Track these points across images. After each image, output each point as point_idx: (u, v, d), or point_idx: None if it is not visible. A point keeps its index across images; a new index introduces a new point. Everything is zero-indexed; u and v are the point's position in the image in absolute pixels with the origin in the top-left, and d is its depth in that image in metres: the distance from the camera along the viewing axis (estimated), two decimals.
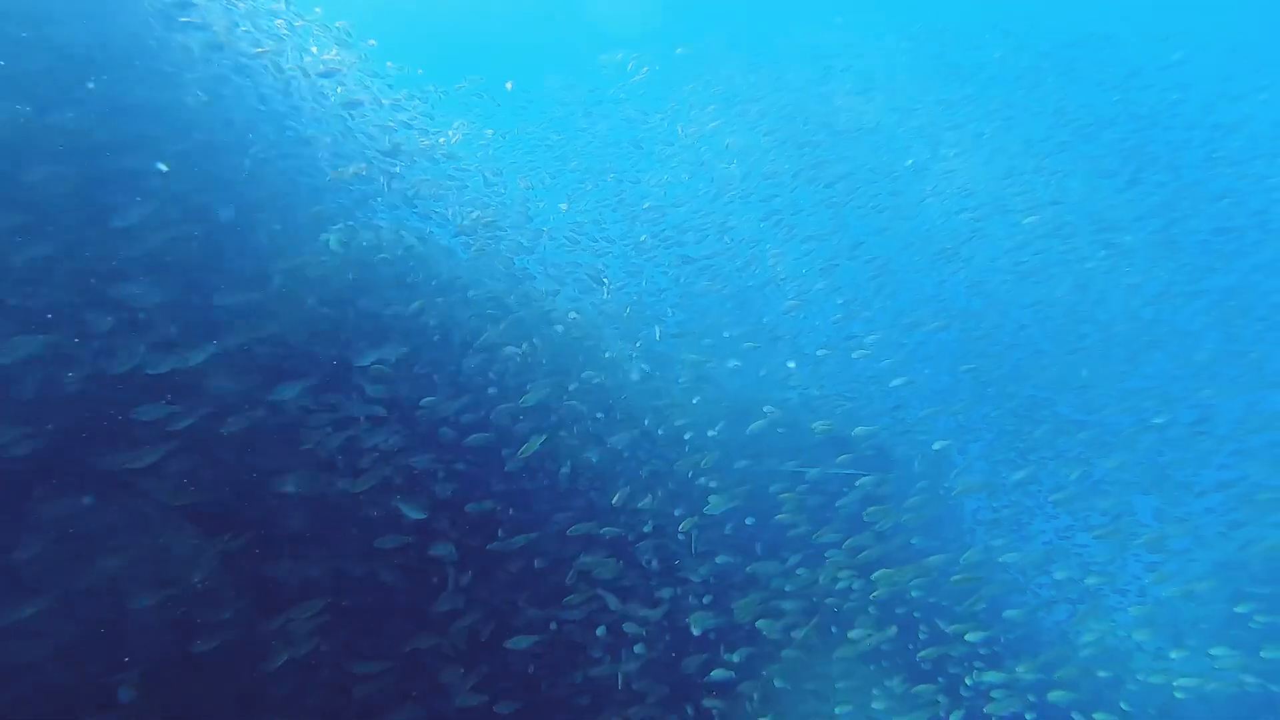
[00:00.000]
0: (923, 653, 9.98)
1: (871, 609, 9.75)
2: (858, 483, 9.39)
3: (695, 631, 6.71)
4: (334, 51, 14.81)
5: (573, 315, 10.97)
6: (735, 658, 7.23)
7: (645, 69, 20.10)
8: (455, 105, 19.55)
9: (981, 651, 10.28)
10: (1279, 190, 15.86)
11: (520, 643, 6.35)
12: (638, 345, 11.28)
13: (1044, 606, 13.35)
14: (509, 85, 20.87)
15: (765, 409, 11.67)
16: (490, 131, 18.78)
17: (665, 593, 7.47)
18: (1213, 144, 16.41)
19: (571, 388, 8.96)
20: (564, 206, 13.15)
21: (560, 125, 20.87)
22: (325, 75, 12.64)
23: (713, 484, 8.86)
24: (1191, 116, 16.74)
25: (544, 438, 6.99)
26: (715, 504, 7.79)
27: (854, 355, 11.87)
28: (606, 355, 11.26)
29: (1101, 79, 18.14)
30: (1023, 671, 8.90)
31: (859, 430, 11.03)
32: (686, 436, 9.83)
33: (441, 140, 14.80)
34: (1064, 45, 19.43)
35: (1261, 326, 14.92)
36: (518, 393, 8.81)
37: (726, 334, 12.47)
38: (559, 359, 10.27)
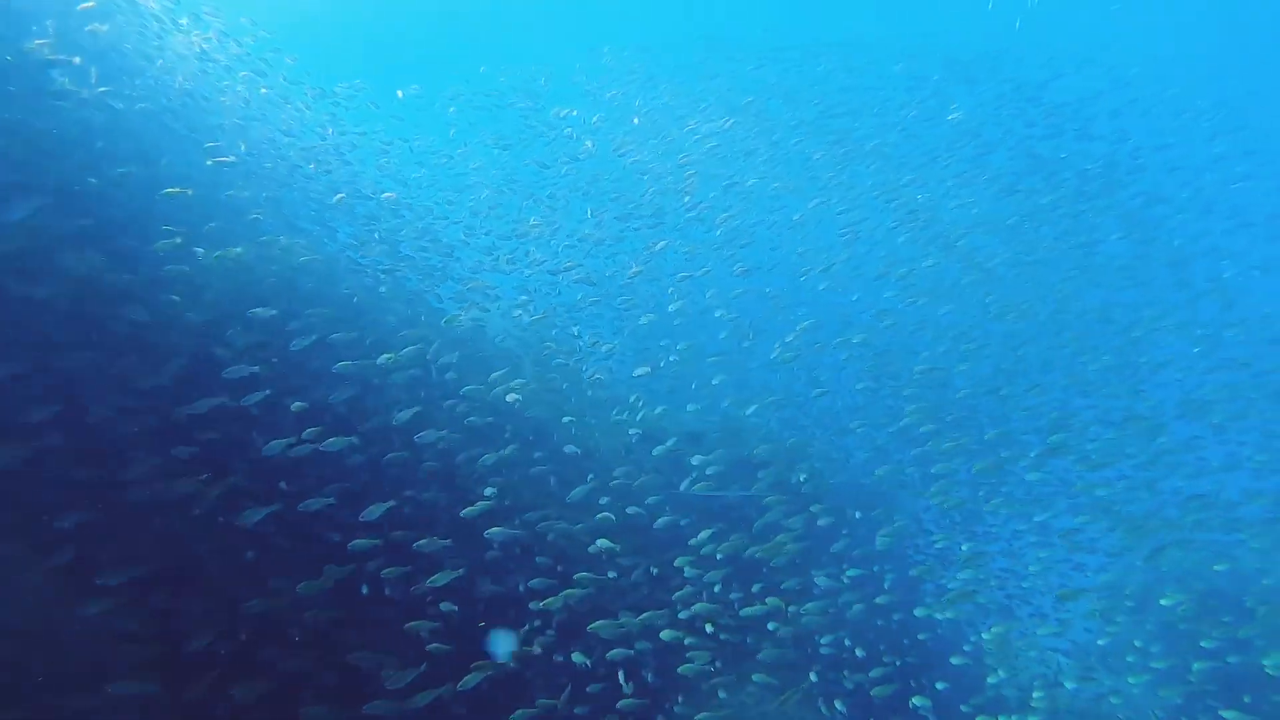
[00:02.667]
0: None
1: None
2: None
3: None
4: (213, 34, 14.16)
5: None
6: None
7: (545, 80, 19.64)
8: (354, 112, 18.79)
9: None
10: (1159, 203, 16.11)
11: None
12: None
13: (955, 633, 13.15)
14: (400, 93, 20.16)
15: (631, 431, 11.23)
16: (388, 144, 18.00)
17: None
18: (1090, 157, 16.57)
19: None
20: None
21: (460, 138, 20.19)
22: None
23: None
24: (1077, 131, 16.87)
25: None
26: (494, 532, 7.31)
27: (713, 382, 11.42)
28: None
29: (998, 94, 18.27)
30: None
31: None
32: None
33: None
34: (961, 62, 19.53)
35: (1137, 339, 14.99)
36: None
37: (600, 345, 11.95)
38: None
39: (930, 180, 15.75)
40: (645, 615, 7.55)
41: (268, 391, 7.25)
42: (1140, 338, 15.10)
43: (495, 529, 7.49)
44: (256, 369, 7.03)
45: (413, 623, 6.24)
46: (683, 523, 10.60)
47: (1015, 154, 16.27)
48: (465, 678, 6.12)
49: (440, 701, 6.57)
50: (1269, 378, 14.60)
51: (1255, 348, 15.32)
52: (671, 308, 12.59)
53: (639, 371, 11.18)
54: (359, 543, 6.49)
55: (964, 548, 11.16)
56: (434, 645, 6.50)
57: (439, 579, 6.47)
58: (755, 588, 10.47)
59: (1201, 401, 14.80)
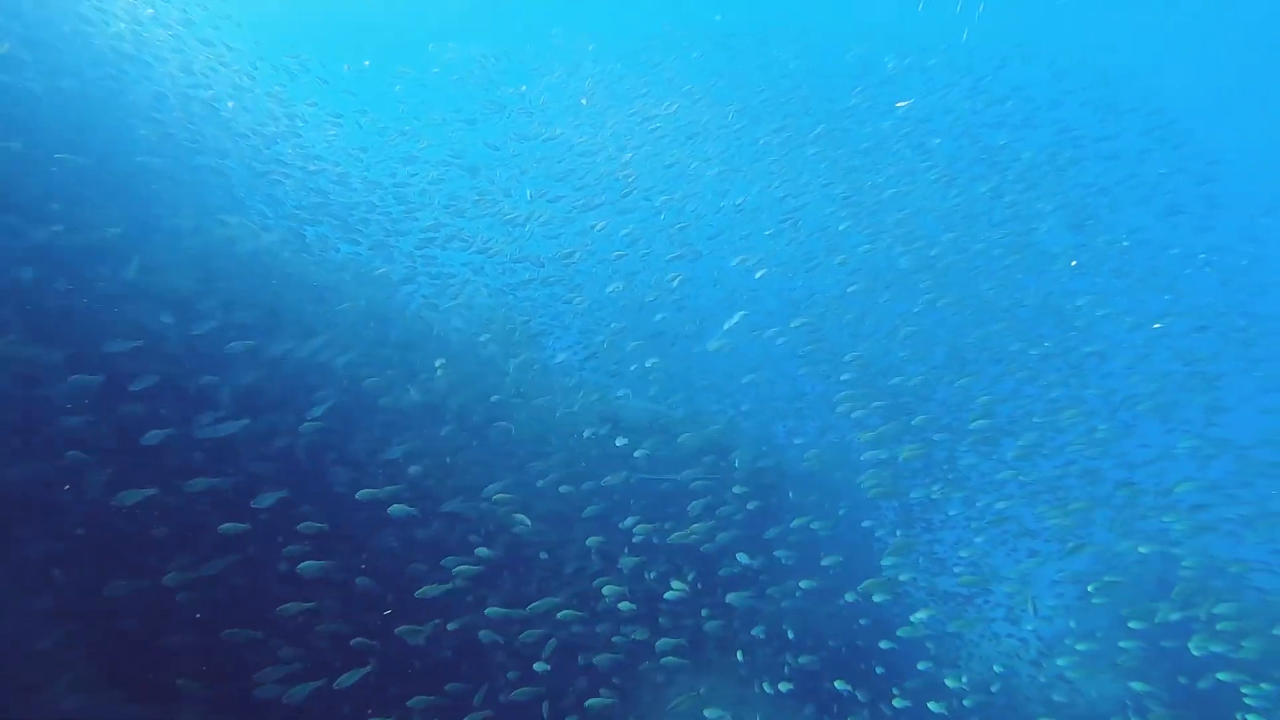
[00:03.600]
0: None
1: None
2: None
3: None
4: None
5: None
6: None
7: (495, 59, 19.26)
8: (304, 85, 18.37)
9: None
10: (1100, 195, 16.23)
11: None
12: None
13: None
14: (347, 67, 19.66)
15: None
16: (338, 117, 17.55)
17: None
18: (1033, 146, 16.55)
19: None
20: None
21: (412, 114, 19.72)
22: None
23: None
24: (1022, 120, 16.87)
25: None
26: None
27: (646, 364, 11.23)
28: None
29: (948, 83, 18.16)
30: None
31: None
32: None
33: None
34: (916, 51, 19.37)
35: (1081, 328, 15.11)
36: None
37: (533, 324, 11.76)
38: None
39: (877, 166, 15.65)
40: (539, 603, 7.41)
41: (156, 377, 6.93)
42: (1084, 326, 15.23)
43: (397, 506, 7.27)
44: (140, 343, 6.70)
45: (287, 605, 6.01)
46: (632, 501, 10.57)
47: (961, 142, 16.24)
48: (342, 676, 5.90)
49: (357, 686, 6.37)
50: (1201, 367, 14.83)
51: (1190, 338, 15.58)
52: (610, 289, 12.40)
53: (560, 358, 11.02)
54: (228, 526, 6.23)
55: (898, 534, 11.17)
56: (325, 626, 6.30)
57: (307, 568, 6.25)
58: (691, 575, 10.46)
59: (1138, 390, 15.04)
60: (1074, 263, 14.66)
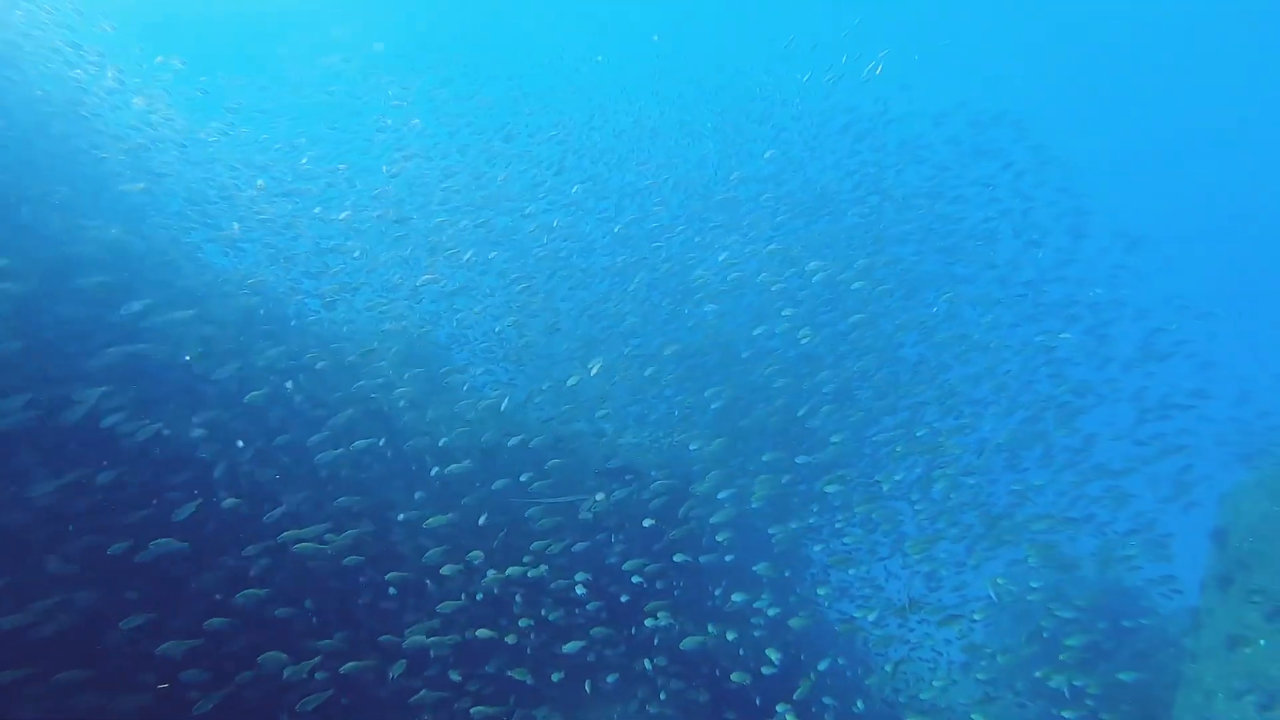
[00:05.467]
0: None
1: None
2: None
3: None
4: None
5: None
6: None
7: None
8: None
9: None
10: (976, 230, 16.62)
11: None
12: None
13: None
14: (203, 79, 18.82)
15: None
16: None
17: None
18: (898, 178, 16.87)
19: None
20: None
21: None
22: None
23: None
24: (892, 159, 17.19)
25: None
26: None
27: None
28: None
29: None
30: None
31: None
32: None
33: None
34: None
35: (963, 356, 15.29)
36: None
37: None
38: None
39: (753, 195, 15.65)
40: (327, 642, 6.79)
41: None
42: (960, 354, 15.40)
43: (161, 540, 6.54)
44: None
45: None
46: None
47: (836, 176, 16.39)
48: None
49: None
50: (1071, 399, 15.16)
51: (1065, 367, 15.94)
52: (459, 316, 11.88)
53: (364, 381, 10.44)
54: None
55: (757, 567, 10.90)
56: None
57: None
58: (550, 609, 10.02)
59: (1011, 421, 15.35)
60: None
